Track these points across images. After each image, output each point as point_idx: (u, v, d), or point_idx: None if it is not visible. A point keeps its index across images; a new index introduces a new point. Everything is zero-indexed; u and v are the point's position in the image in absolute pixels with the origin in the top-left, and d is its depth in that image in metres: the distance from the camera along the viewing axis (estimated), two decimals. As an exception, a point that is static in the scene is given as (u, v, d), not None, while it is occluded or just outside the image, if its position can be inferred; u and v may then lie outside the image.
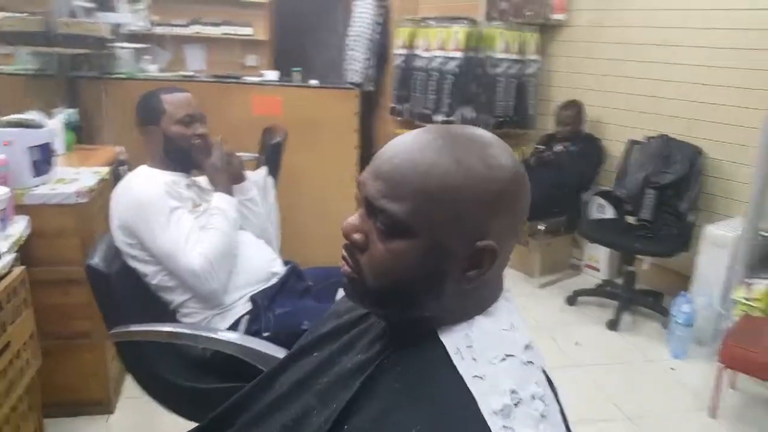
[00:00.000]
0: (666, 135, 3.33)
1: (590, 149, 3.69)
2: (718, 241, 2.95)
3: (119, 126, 2.97)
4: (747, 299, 2.68)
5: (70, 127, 2.64)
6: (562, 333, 3.06)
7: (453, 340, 0.69)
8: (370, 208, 0.70)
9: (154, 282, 1.63)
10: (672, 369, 2.78)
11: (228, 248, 1.65)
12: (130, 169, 2.50)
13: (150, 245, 1.57)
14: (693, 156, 3.17)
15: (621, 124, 3.71)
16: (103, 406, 2.15)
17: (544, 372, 0.72)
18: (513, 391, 0.65)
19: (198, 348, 1.61)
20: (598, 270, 3.86)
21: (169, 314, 1.66)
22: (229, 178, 1.79)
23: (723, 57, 3.15)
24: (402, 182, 0.66)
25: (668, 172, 3.19)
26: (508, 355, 0.68)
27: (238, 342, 1.46)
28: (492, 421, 0.62)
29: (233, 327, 1.64)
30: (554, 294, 3.54)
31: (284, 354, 1.39)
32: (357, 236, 0.71)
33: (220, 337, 1.49)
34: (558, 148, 3.69)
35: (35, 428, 1.67)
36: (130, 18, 3.09)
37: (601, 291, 3.53)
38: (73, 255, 1.93)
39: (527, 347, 0.71)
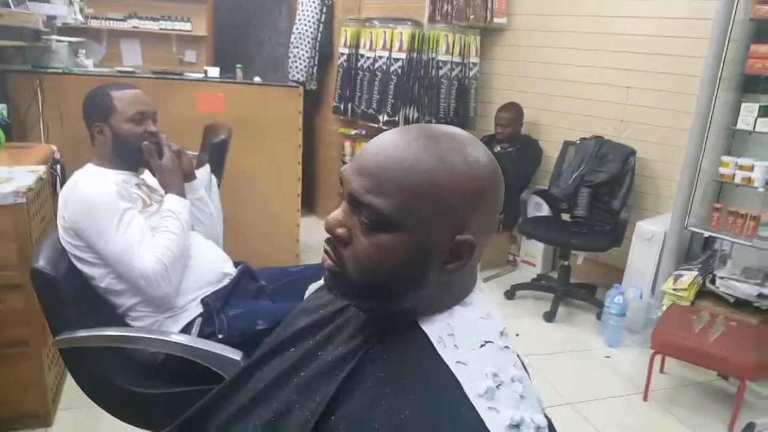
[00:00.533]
0: (600, 136, 3.49)
1: (528, 150, 3.82)
2: (648, 236, 3.13)
3: (54, 123, 2.86)
4: (675, 290, 2.86)
5: (-1, 123, 2.52)
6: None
7: (435, 329, 0.72)
8: (354, 203, 0.71)
9: (102, 285, 1.58)
10: (607, 357, 2.92)
11: (181, 251, 1.62)
12: (63, 169, 2.42)
13: (100, 248, 1.53)
14: (625, 156, 3.33)
15: (557, 125, 3.86)
16: (40, 419, 2.04)
17: (518, 356, 0.76)
18: (494, 375, 0.68)
19: (148, 353, 1.58)
20: (534, 265, 4.01)
21: (117, 318, 1.61)
22: (181, 178, 1.75)
23: (653, 62, 3.33)
24: (387, 178, 0.68)
25: (602, 171, 3.34)
26: (486, 341, 0.72)
27: (192, 344, 1.44)
28: (477, 403, 0.65)
29: (185, 330, 1.61)
30: (493, 288, 3.65)
31: (239, 356, 1.40)
32: (341, 231, 0.72)
33: (174, 340, 1.47)
34: (497, 149, 3.80)
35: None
36: (65, 10, 2.96)
37: (537, 285, 3.67)
38: (8, 259, 1.84)
39: (502, 334, 0.75)
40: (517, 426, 0.66)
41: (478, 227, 0.72)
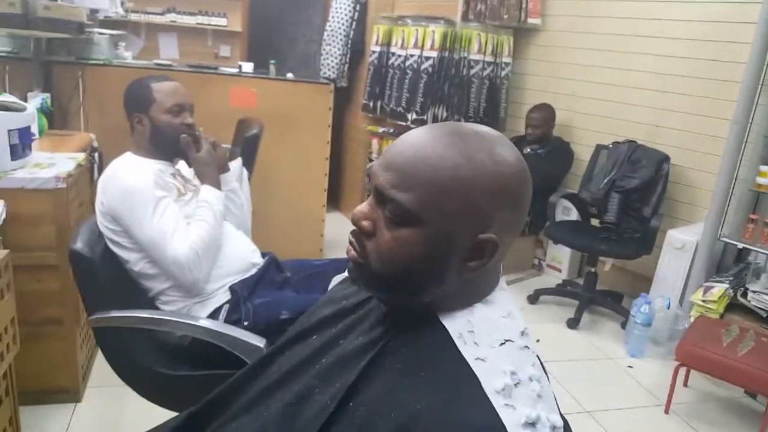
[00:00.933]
0: (634, 141, 3.44)
1: (559, 153, 3.78)
2: (679, 245, 3.08)
3: (94, 112, 2.94)
4: (704, 301, 2.79)
5: (42, 111, 2.60)
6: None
7: (455, 325, 0.73)
8: (380, 197, 0.73)
9: (135, 269, 1.63)
10: (629, 367, 2.88)
11: (213, 240, 1.67)
12: (101, 157, 2.49)
13: (136, 233, 1.58)
14: (659, 162, 3.28)
15: (589, 128, 3.82)
16: (71, 394, 2.12)
17: (537, 357, 0.77)
18: (513, 373, 0.69)
19: (176, 336, 1.63)
20: (560, 270, 3.98)
21: (148, 301, 1.66)
22: (217, 170, 1.80)
23: (690, 67, 3.28)
24: (413, 174, 0.70)
25: (634, 176, 3.29)
26: (507, 340, 0.73)
27: (219, 329, 1.48)
28: (495, 399, 0.66)
29: (213, 316, 1.66)
30: (516, 292, 3.62)
31: (263, 342, 1.43)
32: (366, 223, 0.74)
33: (201, 324, 1.50)
34: (526, 150, 3.77)
35: (11, 416, 1.65)
36: (107, 4, 3.05)
37: (562, 290, 3.63)
38: (48, 241, 1.91)
39: (523, 333, 0.76)
40: (533, 424, 0.66)
41: (503, 227, 0.72)
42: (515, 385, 0.68)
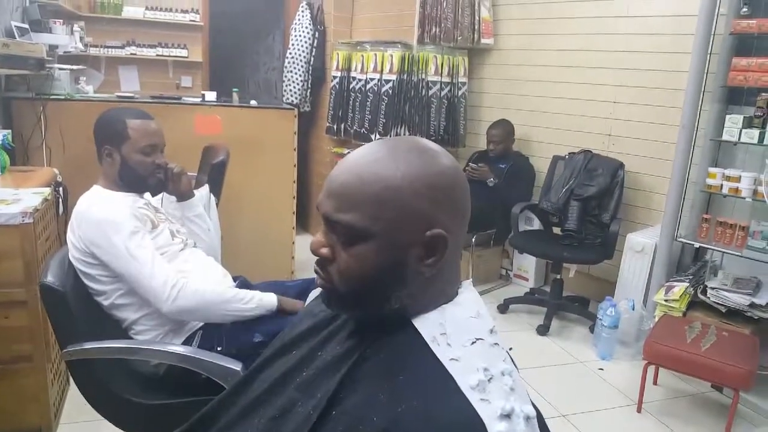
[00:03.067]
0: (589, 150, 3.56)
1: (521, 167, 3.87)
2: (639, 248, 3.18)
3: (56, 147, 2.93)
4: (666, 300, 2.87)
5: (4, 148, 2.57)
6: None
7: (428, 329, 0.77)
8: (328, 224, 0.79)
9: (108, 302, 1.63)
10: (600, 369, 2.95)
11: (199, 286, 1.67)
12: (66, 191, 2.47)
13: (114, 266, 1.58)
14: (614, 169, 3.40)
15: (547, 141, 3.94)
16: (43, 432, 2.08)
17: (507, 352, 0.81)
18: (486, 369, 0.74)
19: (150, 365, 1.63)
20: (527, 279, 4.07)
21: (121, 332, 1.66)
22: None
23: (639, 78, 3.42)
24: (350, 195, 0.76)
25: (591, 185, 3.40)
26: (477, 339, 0.77)
27: (195, 355, 1.49)
28: (471, 395, 0.70)
29: (186, 342, 1.67)
30: (486, 303, 3.58)
31: (239, 366, 1.44)
32: (324, 250, 0.79)
33: (177, 351, 1.51)
34: (481, 165, 3.83)
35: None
36: (66, 39, 3.05)
37: (530, 299, 3.71)
38: (15, 277, 1.89)
39: (492, 331, 0.80)
40: (507, 416, 0.70)
41: (447, 222, 0.77)
42: (488, 380, 0.73)
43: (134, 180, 1.73)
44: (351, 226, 0.75)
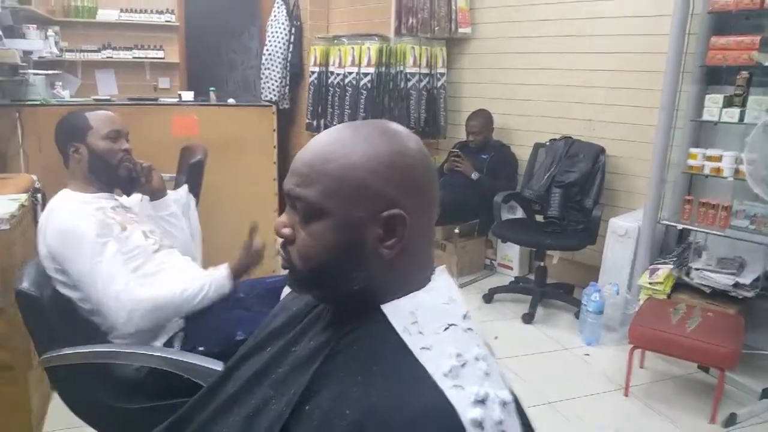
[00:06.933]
0: (569, 136, 3.56)
1: (503, 156, 3.86)
2: (622, 232, 3.16)
3: (33, 153, 2.89)
4: (651, 284, 2.89)
5: (-23, 155, 2.54)
6: (481, 329, 3.17)
7: (399, 320, 0.76)
8: (290, 201, 0.79)
9: (85, 307, 1.61)
10: (586, 355, 2.95)
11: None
12: (44, 197, 2.44)
13: (75, 275, 1.56)
14: (595, 154, 3.40)
15: (528, 129, 3.93)
16: (25, 442, 2.04)
17: (487, 343, 0.80)
18: (458, 355, 0.73)
19: (131, 369, 1.60)
20: (511, 268, 4.07)
21: (100, 336, 1.63)
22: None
23: (617, 61, 3.42)
24: (309, 170, 0.76)
25: (572, 171, 3.39)
26: (450, 325, 0.76)
27: (176, 357, 1.47)
28: (443, 382, 0.70)
29: (167, 345, 1.65)
30: (471, 293, 3.67)
31: (221, 366, 1.42)
32: (286, 231, 0.79)
33: (159, 354, 1.49)
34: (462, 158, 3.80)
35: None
36: (40, 45, 3.01)
37: (515, 287, 3.71)
38: (-10, 285, 1.86)
39: (465, 317, 0.79)
40: (482, 401, 0.69)
41: (408, 202, 0.76)
42: (462, 366, 0.72)
43: (104, 170, 1.71)
44: (308, 201, 0.75)
